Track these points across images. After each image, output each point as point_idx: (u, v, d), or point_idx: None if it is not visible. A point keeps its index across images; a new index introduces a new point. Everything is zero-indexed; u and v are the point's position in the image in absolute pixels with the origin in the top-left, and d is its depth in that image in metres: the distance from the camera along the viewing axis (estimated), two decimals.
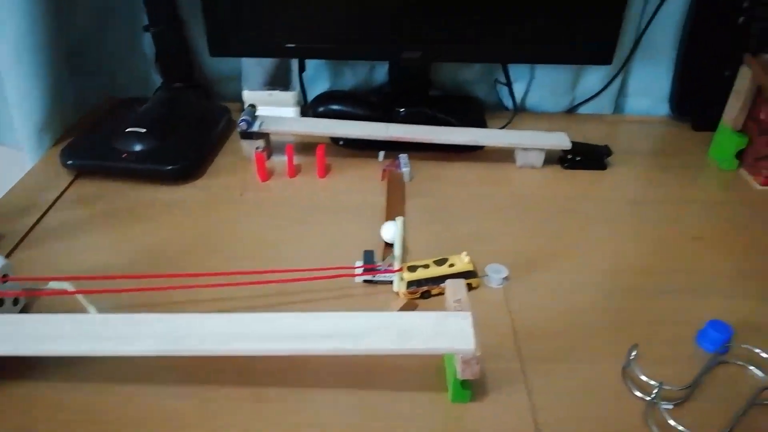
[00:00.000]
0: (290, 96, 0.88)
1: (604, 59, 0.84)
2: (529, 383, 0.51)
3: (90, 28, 0.90)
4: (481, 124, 0.91)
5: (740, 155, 0.81)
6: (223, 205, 0.73)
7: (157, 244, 0.67)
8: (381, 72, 0.96)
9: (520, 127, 0.91)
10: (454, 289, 0.49)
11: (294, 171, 0.79)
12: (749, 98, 0.78)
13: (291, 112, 0.89)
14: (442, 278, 0.58)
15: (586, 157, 0.81)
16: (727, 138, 0.81)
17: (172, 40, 0.88)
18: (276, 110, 0.87)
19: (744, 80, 0.77)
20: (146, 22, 0.87)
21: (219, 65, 0.95)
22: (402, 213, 0.71)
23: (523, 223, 0.71)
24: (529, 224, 0.71)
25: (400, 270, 0.58)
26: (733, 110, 0.80)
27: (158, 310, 0.57)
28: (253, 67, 0.88)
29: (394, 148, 0.82)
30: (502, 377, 0.51)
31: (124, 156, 0.75)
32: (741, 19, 0.83)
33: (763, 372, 0.52)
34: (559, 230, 0.70)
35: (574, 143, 0.80)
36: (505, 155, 0.83)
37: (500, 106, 0.99)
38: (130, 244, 0.67)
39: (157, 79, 0.94)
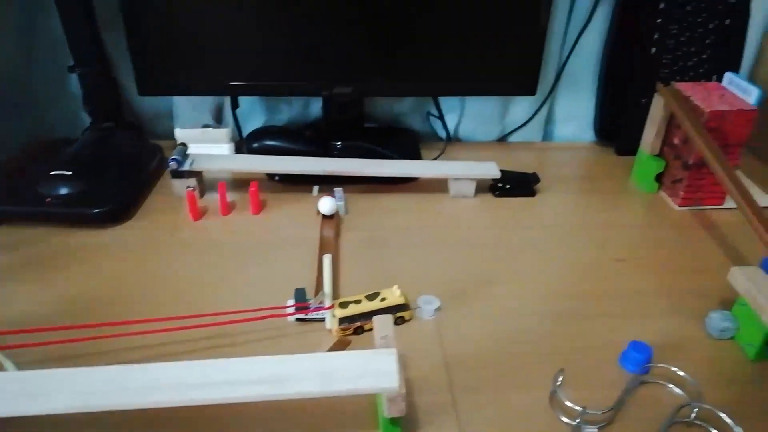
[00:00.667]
0: (224, 133, 0.88)
1: (528, 90, 0.87)
2: (460, 415, 0.51)
3: (15, 66, 0.88)
4: (416, 155, 0.93)
5: (659, 178, 0.85)
6: (153, 247, 0.72)
7: (83, 292, 0.64)
8: (316, 106, 0.97)
9: (454, 158, 0.93)
10: (381, 325, 0.49)
11: (227, 209, 0.78)
12: (663, 125, 0.82)
13: (225, 149, 0.89)
14: (374, 313, 0.58)
15: (515, 184, 0.84)
16: (645, 162, 0.85)
17: (100, 79, 0.87)
18: (210, 147, 0.87)
19: (657, 108, 0.82)
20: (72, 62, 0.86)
21: (150, 103, 0.94)
22: (336, 248, 0.71)
23: (456, 252, 0.73)
24: (462, 253, 0.72)
25: (332, 307, 0.58)
26: (650, 136, 0.84)
27: (84, 362, 0.55)
28: (185, 105, 0.87)
29: (330, 182, 0.82)
30: (433, 410, 0.52)
31: (47, 200, 0.73)
32: (653, 50, 0.88)
33: (681, 390, 0.54)
34: (490, 258, 0.72)
35: (503, 172, 0.83)
36: (438, 185, 0.85)
37: (435, 137, 1.01)
38: (55, 293, 0.64)
39: (87, 119, 0.92)
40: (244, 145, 0.88)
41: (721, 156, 0.71)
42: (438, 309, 0.63)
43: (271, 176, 0.85)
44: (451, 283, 0.67)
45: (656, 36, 0.87)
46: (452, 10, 0.80)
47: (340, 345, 0.57)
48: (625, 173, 0.90)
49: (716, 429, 0.50)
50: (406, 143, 0.95)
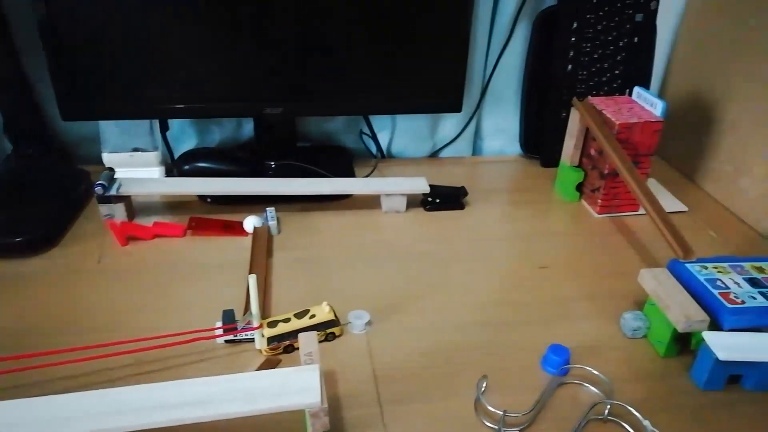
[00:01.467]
0: (153, 156, 0.87)
1: (455, 108, 0.91)
2: (387, 427, 0.52)
3: None
4: (350, 172, 0.94)
5: (580, 188, 0.89)
6: (80, 274, 0.70)
7: (8, 323, 0.62)
8: (249, 127, 0.97)
9: (387, 174, 0.96)
10: (306, 342, 0.50)
11: (156, 232, 0.77)
12: (581, 137, 0.87)
13: (155, 172, 0.88)
14: (303, 331, 0.59)
15: (444, 198, 0.86)
16: (566, 173, 0.90)
17: (21, 105, 0.85)
18: (139, 171, 0.86)
19: (574, 121, 0.87)
20: None
21: (76, 128, 0.92)
22: (266, 268, 0.72)
23: (388, 266, 0.74)
24: (393, 267, 0.74)
25: (260, 327, 0.59)
26: (569, 148, 0.88)
27: (9, 395, 0.53)
28: (112, 129, 0.86)
29: (263, 201, 0.82)
30: (361, 424, 0.52)
31: None
32: (569, 67, 0.93)
33: (597, 388, 0.57)
34: (420, 271, 0.74)
35: (432, 186, 0.85)
36: (371, 202, 0.86)
37: (368, 155, 1.03)
38: None
39: (9, 146, 0.89)
40: (174, 168, 0.88)
41: (630, 166, 0.75)
42: (368, 323, 0.64)
43: (203, 198, 0.85)
44: (382, 297, 0.68)
45: (571, 54, 0.92)
46: (378, 31, 0.82)
47: (269, 364, 0.57)
48: (550, 184, 0.95)
49: (628, 423, 0.53)
50: (340, 161, 0.96)
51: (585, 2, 0.89)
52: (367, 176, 0.93)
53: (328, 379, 0.57)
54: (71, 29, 0.76)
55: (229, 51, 0.81)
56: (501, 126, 1.03)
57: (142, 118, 0.86)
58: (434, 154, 1.05)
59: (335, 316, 0.62)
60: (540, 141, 1.00)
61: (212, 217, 0.82)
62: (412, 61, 0.85)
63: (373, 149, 1.02)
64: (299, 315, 0.61)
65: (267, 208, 0.80)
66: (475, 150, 1.06)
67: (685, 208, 0.88)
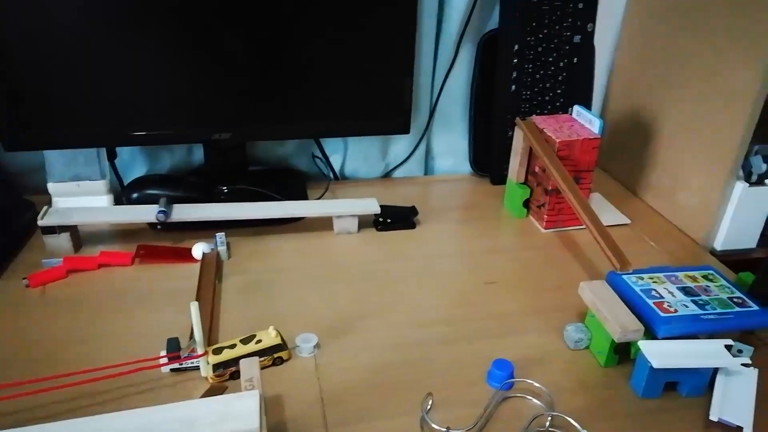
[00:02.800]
0: (100, 185, 0.86)
1: (403, 129, 0.92)
2: None
3: None
4: (303, 195, 0.95)
5: (527, 204, 0.92)
6: (21, 307, 0.69)
7: None
8: (200, 152, 0.97)
9: (341, 196, 0.97)
10: (247, 368, 0.50)
11: (102, 262, 0.76)
12: (525, 155, 0.89)
13: (103, 201, 0.87)
14: (249, 356, 0.58)
15: (395, 218, 0.88)
16: (513, 190, 0.92)
17: None
18: (86, 200, 0.85)
19: (518, 140, 0.89)
20: None
21: (20, 158, 0.90)
22: (214, 294, 0.71)
23: (339, 288, 0.75)
24: (344, 288, 0.74)
25: (205, 354, 0.58)
26: (515, 166, 0.91)
27: None
28: (57, 158, 0.85)
29: (215, 227, 0.82)
30: None
31: None
32: (513, 87, 0.96)
33: (539, 401, 0.58)
34: (370, 291, 0.74)
35: (383, 207, 0.86)
36: (323, 224, 0.87)
37: (322, 177, 1.04)
38: None
39: None
40: (123, 196, 0.87)
41: (570, 182, 0.78)
42: (317, 346, 0.64)
43: (153, 225, 0.85)
44: (332, 319, 0.69)
45: (514, 75, 0.95)
46: (325, 56, 0.84)
47: (215, 391, 0.57)
48: (499, 201, 0.97)
49: None
50: (293, 184, 0.97)
51: (525, 25, 0.92)
52: (318, 198, 0.94)
53: (275, 404, 0.57)
54: (12, 58, 0.75)
55: (176, 77, 0.81)
56: (451, 145, 1.06)
57: (88, 146, 0.85)
58: (387, 175, 1.06)
59: (282, 340, 0.62)
60: (489, 159, 1.03)
61: (162, 244, 0.81)
62: (359, 85, 0.87)
63: (327, 172, 1.03)
64: (245, 340, 0.61)
65: (217, 234, 0.80)
66: (427, 170, 1.08)
67: (628, 221, 0.91)
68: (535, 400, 0.58)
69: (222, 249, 0.78)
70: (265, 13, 0.79)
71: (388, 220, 0.87)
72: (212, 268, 0.74)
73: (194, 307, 0.55)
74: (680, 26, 0.87)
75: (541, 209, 0.89)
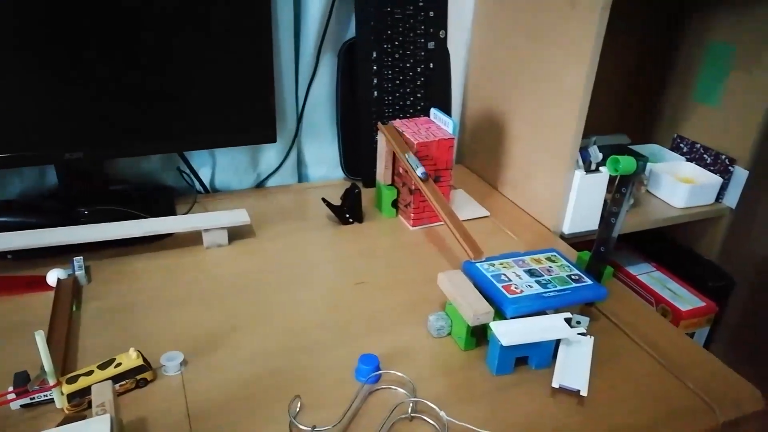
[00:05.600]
0: None
1: (269, 138, 0.93)
2: None
3: None
4: (171, 211, 0.93)
5: (395, 204, 0.96)
6: None
7: None
8: (53, 174, 0.92)
9: (213, 208, 0.95)
10: (98, 393, 0.48)
11: None
12: (389, 158, 0.93)
13: None
14: (110, 381, 0.56)
15: (351, 210, 0.89)
16: (382, 192, 0.95)
17: None
18: None
19: (382, 143, 0.93)
20: None
21: None
22: (70, 321, 0.68)
23: (207, 303, 0.74)
24: (213, 303, 0.74)
25: (57, 384, 0.56)
26: (381, 169, 0.94)
27: None
28: None
29: (73, 251, 0.78)
30: None
31: None
32: (375, 94, 0.99)
33: (404, 389, 0.61)
34: (241, 303, 0.74)
35: (335, 206, 0.88)
36: (194, 238, 0.85)
37: (192, 191, 1.02)
38: None
39: None
40: None
41: (427, 180, 0.82)
42: (183, 363, 0.63)
43: (3, 255, 0.79)
44: (200, 335, 0.68)
45: (375, 81, 0.99)
46: (181, 68, 0.82)
47: (70, 422, 0.54)
48: (372, 203, 1.00)
49: (431, 418, 0.57)
50: (160, 201, 0.94)
51: (380, 33, 0.96)
52: (186, 213, 0.92)
53: (138, 427, 0.55)
54: None
55: (20, 95, 0.76)
56: (322, 152, 1.08)
57: None
58: (260, 185, 1.06)
59: (145, 361, 0.60)
60: (359, 164, 1.06)
61: (14, 274, 0.76)
62: (221, 96, 0.86)
63: (196, 185, 1.01)
64: (103, 366, 0.58)
65: (74, 258, 0.76)
66: (302, 177, 1.10)
67: (488, 213, 0.98)
68: (399, 390, 0.61)
69: (80, 273, 0.75)
70: (118, 30, 0.77)
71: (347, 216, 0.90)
72: (68, 294, 0.70)
73: (39, 336, 0.52)
74: (521, 33, 0.95)
75: (407, 208, 0.93)
